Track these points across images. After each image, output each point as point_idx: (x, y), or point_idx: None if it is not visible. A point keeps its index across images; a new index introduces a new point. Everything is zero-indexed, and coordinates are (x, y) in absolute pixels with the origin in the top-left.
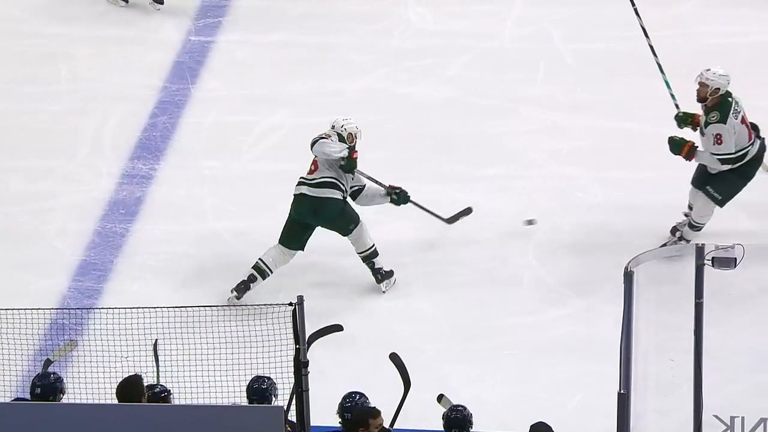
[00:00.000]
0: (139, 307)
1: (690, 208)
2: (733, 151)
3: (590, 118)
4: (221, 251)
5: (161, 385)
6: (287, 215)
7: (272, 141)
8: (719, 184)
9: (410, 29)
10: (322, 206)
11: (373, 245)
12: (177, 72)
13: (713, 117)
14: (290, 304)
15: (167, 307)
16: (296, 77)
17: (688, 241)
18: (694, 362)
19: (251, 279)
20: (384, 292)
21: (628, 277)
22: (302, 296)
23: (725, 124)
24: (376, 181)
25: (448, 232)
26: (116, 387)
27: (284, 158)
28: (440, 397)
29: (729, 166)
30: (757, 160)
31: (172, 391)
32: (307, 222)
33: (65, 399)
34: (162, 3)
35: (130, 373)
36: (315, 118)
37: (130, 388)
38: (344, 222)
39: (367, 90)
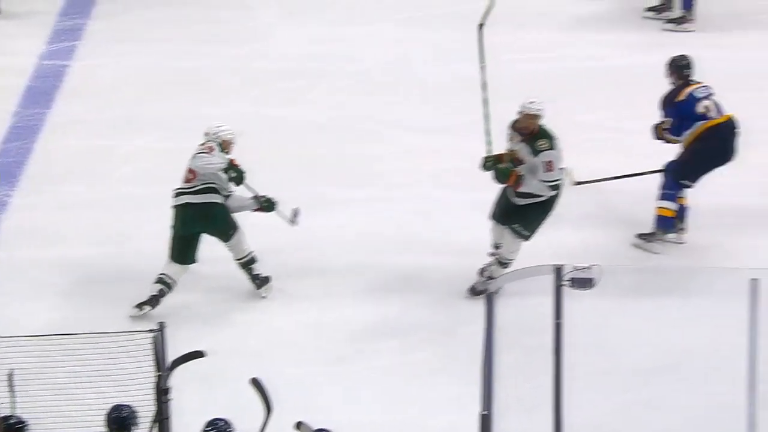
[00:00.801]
0: None
1: (496, 246)
2: (559, 178)
3: (456, 140)
4: (84, 278)
5: (17, 416)
6: (171, 231)
7: (136, 166)
8: (524, 220)
9: (276, 52)
10: (209, 211)
11: (252, 251)
12: (30, 97)
13: (543, 145)
14: (151, 330)
15: (24, 337)
16: (160, 101)
17: (496, 279)
18: (553, 382)
19: (162, 293)
20: (264, 297)
21: (489, 298)
22: (163, 322)
23: (555, 150)
24: (249, 186)
25: (312, 254)
26: None
27: (149, 182)
28: (299, 425)
29: (556, 192)
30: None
31: (28, 423)
32: (193, 232)
33: None
34: None
35: None
36: (181, 142)
37: None
38: (227, 227)
39: (234, 113)
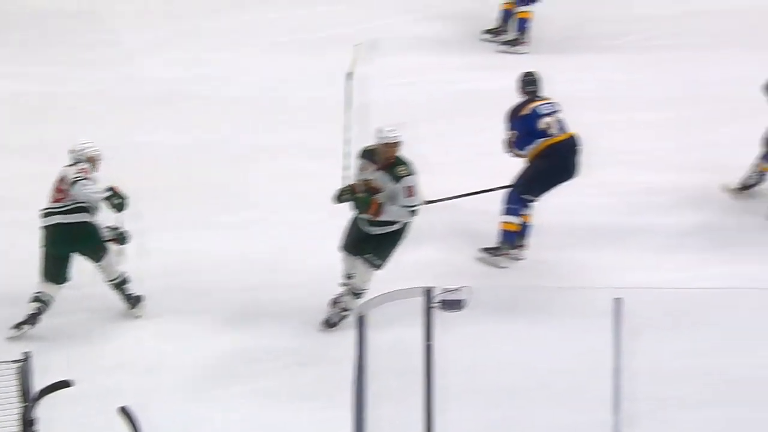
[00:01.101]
0: None
1: (348, 277)
2: (419, 202)
3: (329, 164)
4: None
5: None
6: (42, 251)
7: (1, 192)
8: (377, 249)
9: (146, 77)
10: (81, 232)
11: (124, 272)
12: None
13: (403, 171)
14: (16, 360)
15: None
16: (25, 126)
17: (350, 309)
18: (424, 404)
19: (39, 311)
20: (139, 317)
21: (360, 320)
22: (29, 352)
23: (414, 175)
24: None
25: (186, 277)
26: None
27: (14, 207)
28: None
29: (415, 217)
30: None
31: None
32: (65, 252)
33: None
34: None
35: None
36: (47, 167)
37: None
38: (99, 247)
39: (102, 139)
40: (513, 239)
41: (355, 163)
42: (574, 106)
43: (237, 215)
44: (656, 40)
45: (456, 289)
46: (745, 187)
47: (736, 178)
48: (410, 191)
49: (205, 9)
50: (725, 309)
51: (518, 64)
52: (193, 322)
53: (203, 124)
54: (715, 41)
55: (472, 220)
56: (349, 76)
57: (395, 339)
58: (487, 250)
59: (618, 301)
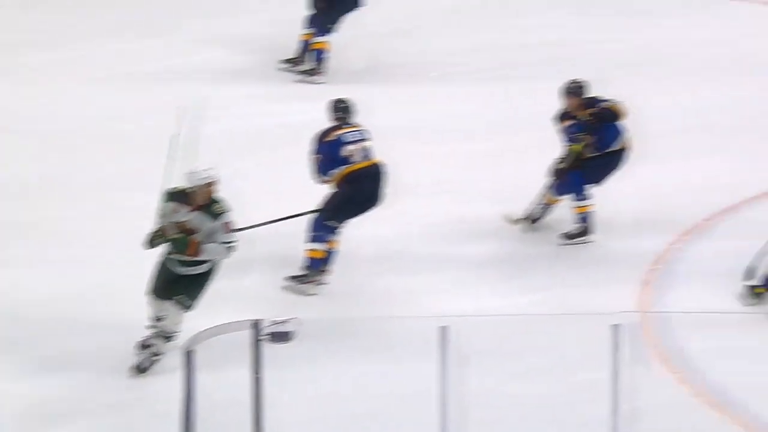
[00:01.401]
0: None
1: (158, 319)
2: (236, 238)
3: (155, 198)
4: None
5: None
6: None
7: None
8: (188, 289)
9: None
10: None
11: None
12: None
13: (220, 208)
14: None
15: None
16: None
17: (162, 353)
18: None
19: None
20: None
21: (188, 356)
22: None
23: (229, 211)
24: None
25: (6, 316)
26: None
27: None
28: None
29: (233, 253)
30: None
31: None
32: None
33: None
34: None
35: None
36: None
37: None
38: None
39: None
40: (319, 266)
41: (161, 206)
42: (380, 136)
43: (60, 252)
44: (474, 73)
45: (284, 321)
46: (532, 220)
47: (520, 209)
48: (228, 227)
49: (19, 44)
50: (542, 335)
51: (321, 94)
52: (14, 361)
53: (25, 159)
54: (531, 72)
55: (291, 248)
56: (174, 137)
57: (223, 374)
58: (293, 278)
59: (444, 329)
